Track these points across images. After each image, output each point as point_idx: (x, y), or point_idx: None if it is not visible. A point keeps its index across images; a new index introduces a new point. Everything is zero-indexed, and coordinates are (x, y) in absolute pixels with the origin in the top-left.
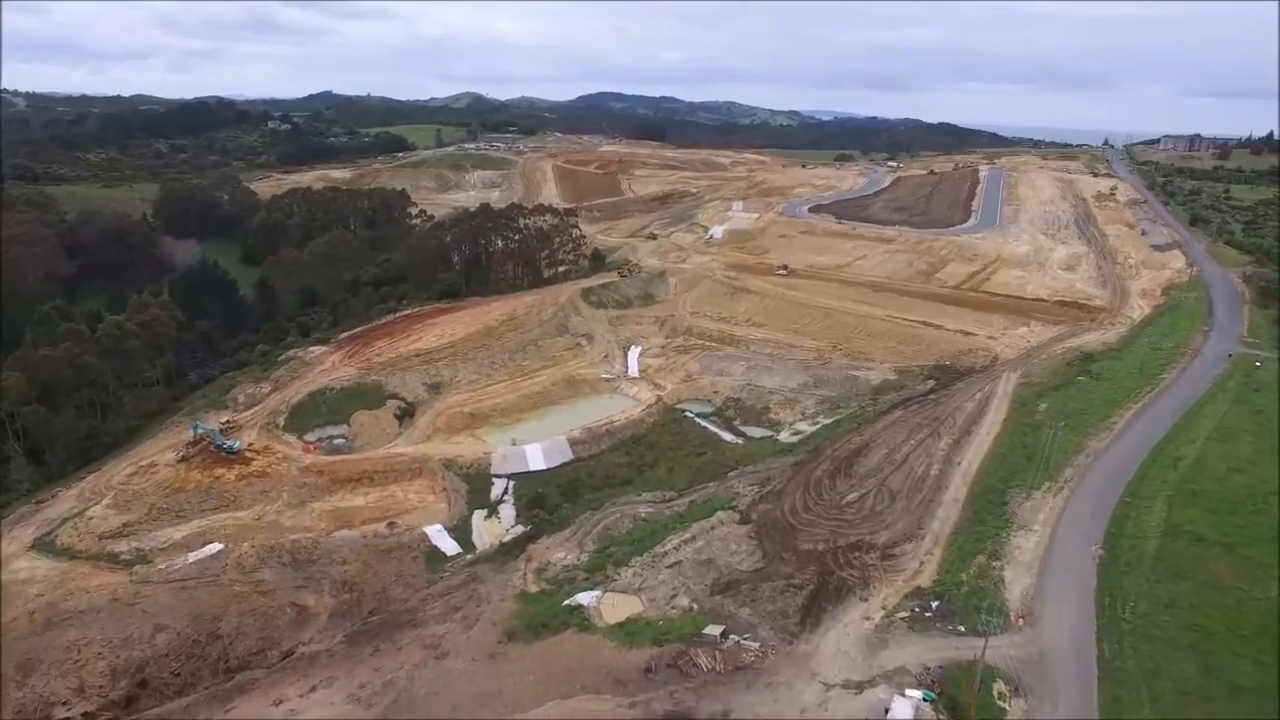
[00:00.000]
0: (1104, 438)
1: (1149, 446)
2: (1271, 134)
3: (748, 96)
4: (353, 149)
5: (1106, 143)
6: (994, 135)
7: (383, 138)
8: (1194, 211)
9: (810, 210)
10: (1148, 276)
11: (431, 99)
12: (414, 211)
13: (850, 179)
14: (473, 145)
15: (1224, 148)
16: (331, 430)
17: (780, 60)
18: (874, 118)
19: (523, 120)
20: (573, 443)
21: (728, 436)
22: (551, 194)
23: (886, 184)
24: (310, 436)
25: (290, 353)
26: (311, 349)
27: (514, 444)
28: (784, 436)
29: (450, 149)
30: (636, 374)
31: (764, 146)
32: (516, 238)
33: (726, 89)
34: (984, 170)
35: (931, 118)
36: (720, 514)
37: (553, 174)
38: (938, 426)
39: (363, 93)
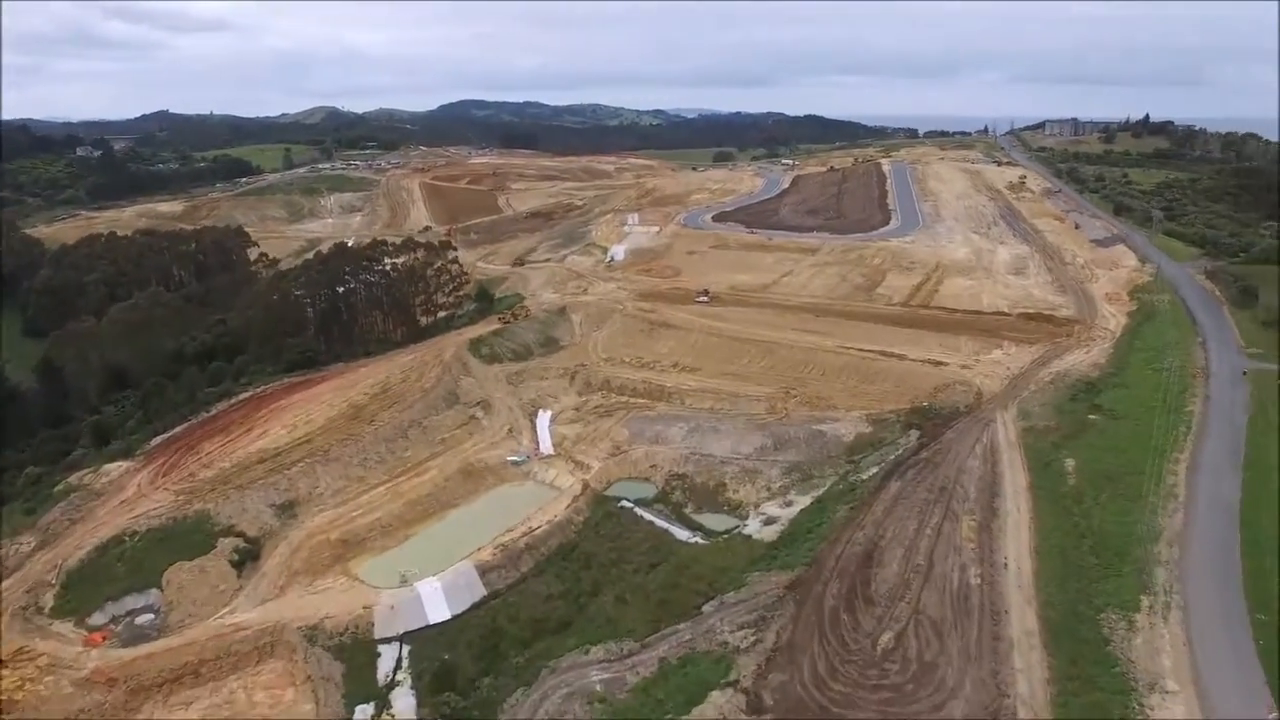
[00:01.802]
0: (1173, 510)
1: (1233, 518)
2: (1147, 117)
3: (613, 98)
4: (185, 176)
5: (986, 129)
6: (858, 125)
7: (222, 161)
8: (1116, 200)
9: (715, 219)
10: (1105, 278)
11: (283, 115)
12: (257, 254)
13: (747, 181)
14: (328, 165)
15: (1108, 131)
16: (133, 602)
17: (643, 62)
18: (738, 113)
19: (383, 134)
20: (483, 570)
21: (681, 533)
22: (421, 215)
23: (787, 184)
24: (98, 618)
25: (72, 479)
26: (106, 469)
27: (404, 581)
28: (753, 527)
29: (302, 170)
30: (550, 450)
31: (636, 148)
32: (383, 281)
33: (591, 92)
34: (886, 165)
35: (795, 110)
36: (715, 696)
37: (420, 192)
38: (950, 502)
39: (204, 111)
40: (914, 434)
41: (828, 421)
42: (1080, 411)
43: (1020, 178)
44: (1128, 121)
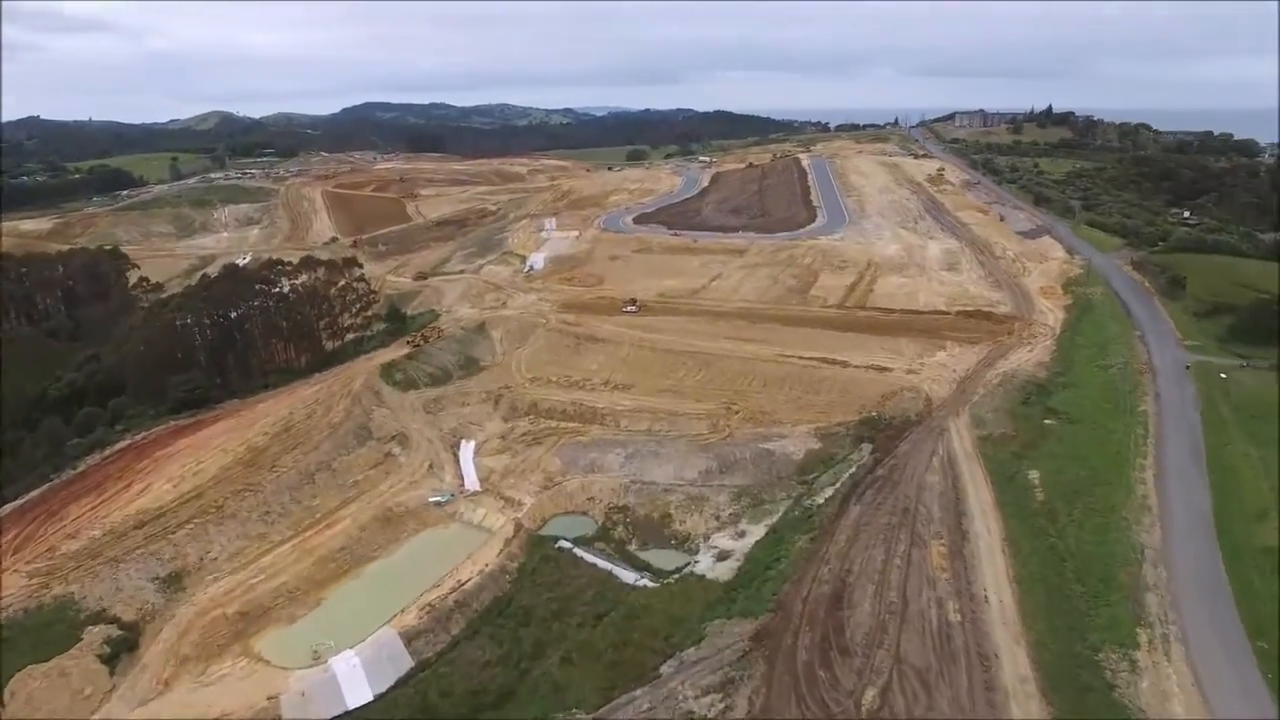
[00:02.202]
0: (1149, 524)
1: (1209, 527)
2: (1050, 108)
3: (521, 98)
4: (55, 190)
5: (896, 122)
6: (767, 120)
7: (100, 173)
8: (1034, 191)
9: (636, 221)
10: (1037, 271)
11: (172, 121)
12: (138, 277)
13: (665, 180)
14: (220, 175)
15: (1014, 122)
16: None
17: (550, 61)
18: (648, 110)
19: (281, 140)
20: (409, 637)
21: (627, 575)
22: (325, 226)
23: (707, 183)
24: None
25: None
26: None
27: (317, 657)
28: (705, 564)
29: (192, 181)
30: (476, 486)
31: (547, 148)
32: (281, 304)
33: (499, 92)
34: (806, 160)
35: (703, 106)
36: None
37: (323, 202)
38: (914, 524)
39: (82, 118)
40: (866, 448)
41: (775, 439)
42: (1035, 416)
43: (939, 170)
44: (1032, 112)
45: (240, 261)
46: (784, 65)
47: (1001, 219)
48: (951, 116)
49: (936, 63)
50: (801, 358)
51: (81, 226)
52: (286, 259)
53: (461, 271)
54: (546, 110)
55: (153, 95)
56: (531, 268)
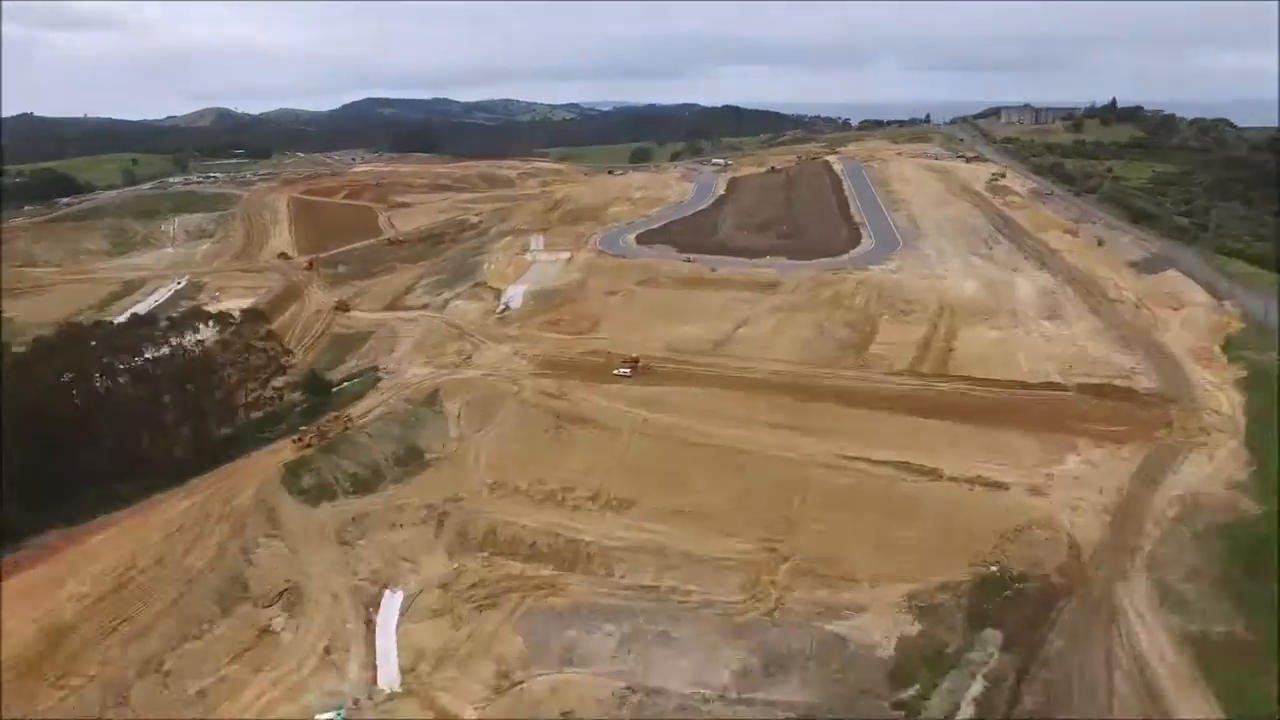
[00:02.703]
0: None
1: None
2: (1114, 101)
3: (525, 93)
4: None
5: (928, 118)
6: (779, 115)
7: (42, 176)
8: (1124, 203)
9: (640, 240)
10: (1176, 322)
11: (168, 118)
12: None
13: (675, 186)
14: (180, 179)
15: (1072, 118)
16: None
17: (552, 55)
18: (652, 105)
19: (275, 136)
20: None
21: None
22: (282, 240)
23: (723, 190)
24: None
25: None
26: None
27: None
28: None
29: (146, 187)
30: (395, 683)
31: (550, 145)
32: (159, 370)
33: (503, 88)
34: (837, 164)
35: (708, 101)
36: None
37: (286, 211)
38: None
39: (77, 114)
40: (992, 638)
41: (847, 613)
42: (1264, 594)
43: (996, 175)
44: (1093, 107)
45: (173, 287)
46: (788, 59)
47: (1100, 243)
48: (996, 112)
49: (937, 57)
50: (872, 461)
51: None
52: (165, 315)
53: (425, 306)
54: (550, 106)
55: (154, 92)
56: (507, 306)
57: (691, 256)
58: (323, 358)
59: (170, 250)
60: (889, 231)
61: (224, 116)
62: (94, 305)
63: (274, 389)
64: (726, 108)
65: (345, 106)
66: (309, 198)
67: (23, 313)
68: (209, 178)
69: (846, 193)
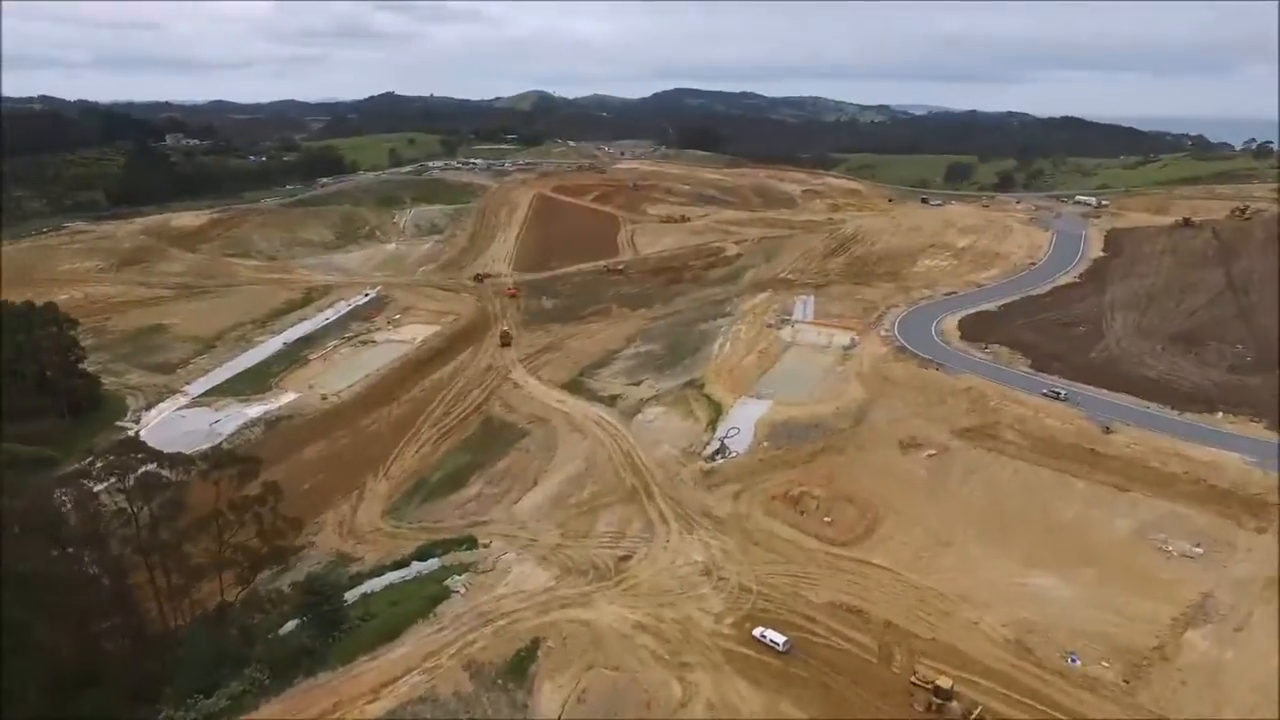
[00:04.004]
0: None
1: None
2: None
3: (833, 91)
4: (258, 176)
5: None
6: (1131, 130)
7: (317, 158)
8: None
9: (965, 333)
10: None
11: (496, 99)
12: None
13: (1018, 233)
14: (440, 164)
15: None
16: None
17: (864, 54)
18: (973, 111)
19: (577, 121)
20: None
21: None
22: (506, 248)
23: (1099, 248)
24: None
25: None
26: None
27: None
28: None
29: (404, 170)
30: None
31: (853, 150)
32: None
33: (811, 84)
34: None
35: (1039, 110)
36: None
37: (525, 211)
38: None
39: (425, 94)
40: None
41: None
42: None
43: None
44: None
45: (356, 301)
46: (1136, 64)
47: None
48: None
49: None
50: None
51: (228, 227)
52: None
53: (615, 400)
54: (860, 106)
55: (490, 76)
56: (724, 445)
57: (1061, 389)
58: (447, 464)
59: (390, 247)
60: None
61: (543, 100)
62: (258, 319)
63: (254, 593)
64: (1065, 119)
65: (655, 95)
66: (556, 196)
67: (184, 320)
68: (468, 164)
69: None
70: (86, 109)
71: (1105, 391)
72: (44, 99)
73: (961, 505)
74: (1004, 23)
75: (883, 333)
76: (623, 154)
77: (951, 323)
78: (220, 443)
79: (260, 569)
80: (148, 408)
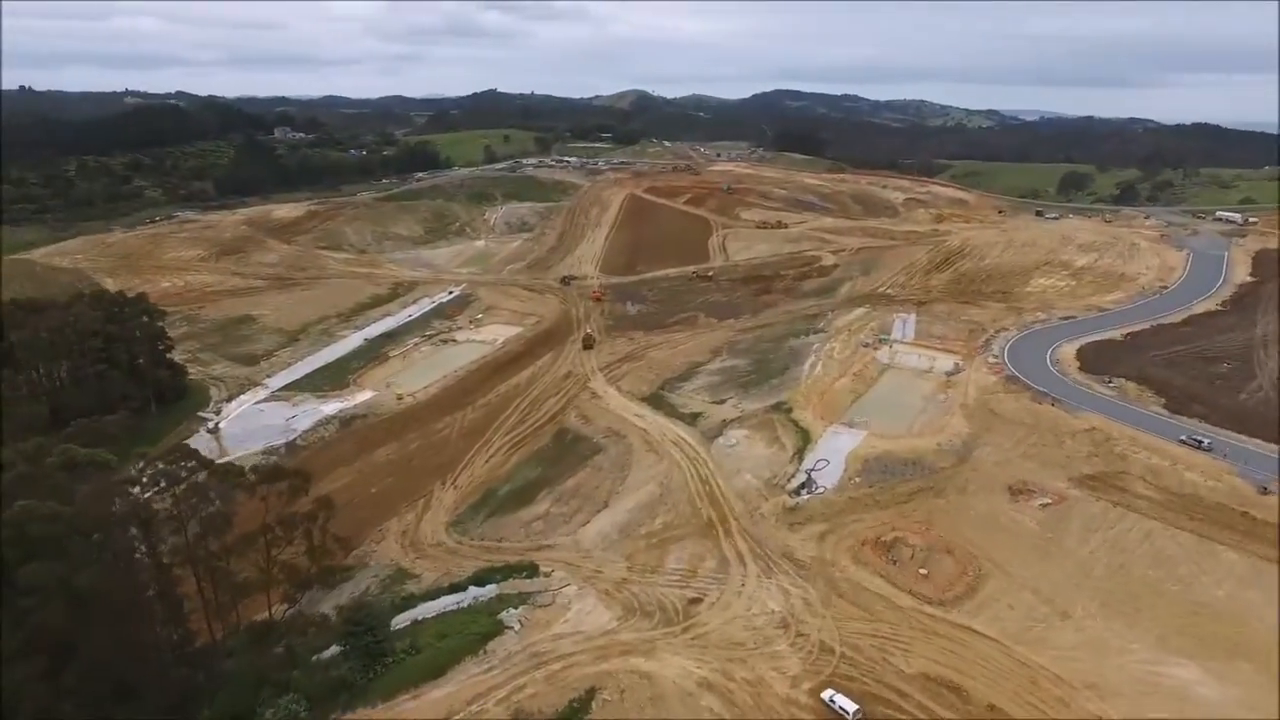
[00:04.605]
0: None
1: None
2: None
3: (939, 94)
4: (357, 169)
5: None
6: (1273, 137)
7: (415, 152)
8: None
9: (1085, 364)
10: None
11: (595, 97)
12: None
13: (1146, 252)
14: (534, 161)
15: None
16: None
17: (971, 56)
18: (1090, 118)
19: (674, 121)
20: None
21: None
22: (595, 249)
23: (1244, 272)
24: None
25: None
26: None
27: None
28: None
29: (498, 166)
30: None
31: (959, 157)
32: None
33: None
34: None
35: (1165, 117)
36: None
37: (617, 211)
38: None
39: (526, 91)
40: None
41: None
42: None
43: None
44: None
45: (440, 298)
46: (1256, 65)
47: None
48: None
49: None
50: None
51: (325, 219)
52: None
53: (696, 419)
54: (966, 111)
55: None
56: (811, 478)
57: (1203, 437)
58: (516, 477)
59: (479, 244)
60: None
61: (641, 98)
62: (342, 314)
63: (300, 612)
64: (1196, 126)
65: (753, 96)
66: (648, 197)
67: (271, 312)
68: (562, 162)
69: None
70: (208, 104)
71: (1259, 442)
72: (179, 95)
73: (1081, 569)
74: (1119, 25)
75: (991, 359)
76: (718, 155)
77: (1069, 351)
78: (294, 439)
79: (307, 589)
80: (229, 399)
